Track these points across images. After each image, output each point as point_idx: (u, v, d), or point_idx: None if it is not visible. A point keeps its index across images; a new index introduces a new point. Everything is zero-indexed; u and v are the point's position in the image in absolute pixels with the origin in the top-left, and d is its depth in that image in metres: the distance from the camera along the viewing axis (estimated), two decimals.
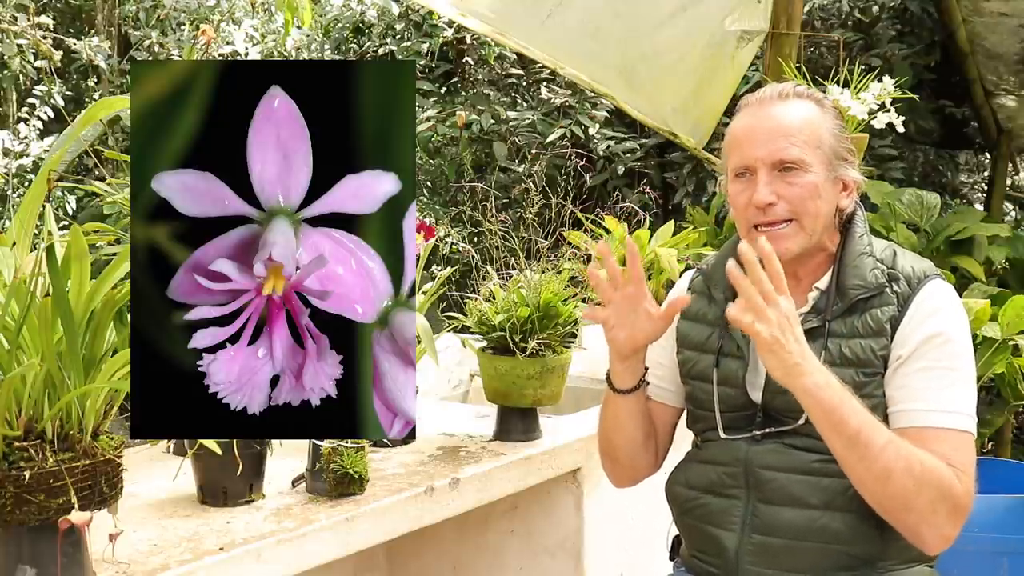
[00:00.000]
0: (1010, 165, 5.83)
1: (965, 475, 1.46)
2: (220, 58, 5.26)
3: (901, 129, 3.10)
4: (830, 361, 1.54)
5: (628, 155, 4.83)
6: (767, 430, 1.59)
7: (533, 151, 4.43)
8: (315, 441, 1.73)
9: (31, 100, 5.29)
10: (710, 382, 1.66)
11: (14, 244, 1.36)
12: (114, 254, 1.42)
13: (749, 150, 1.59)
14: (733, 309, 1.45)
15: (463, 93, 5.12)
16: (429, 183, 5.54)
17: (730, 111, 2.35)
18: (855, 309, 1.57)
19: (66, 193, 5.16)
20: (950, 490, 1.44)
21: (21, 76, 5.17)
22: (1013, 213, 6.53)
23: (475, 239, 3.42)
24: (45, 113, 5.27)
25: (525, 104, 5.18)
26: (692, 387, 1.71)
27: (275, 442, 1.70)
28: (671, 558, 1.78)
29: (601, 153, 4.78)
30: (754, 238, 1.59)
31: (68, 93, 5.75)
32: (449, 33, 5.05)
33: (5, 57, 4.90)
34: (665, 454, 1.79)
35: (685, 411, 1.76)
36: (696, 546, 1.67)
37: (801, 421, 1.54)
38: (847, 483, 1.49)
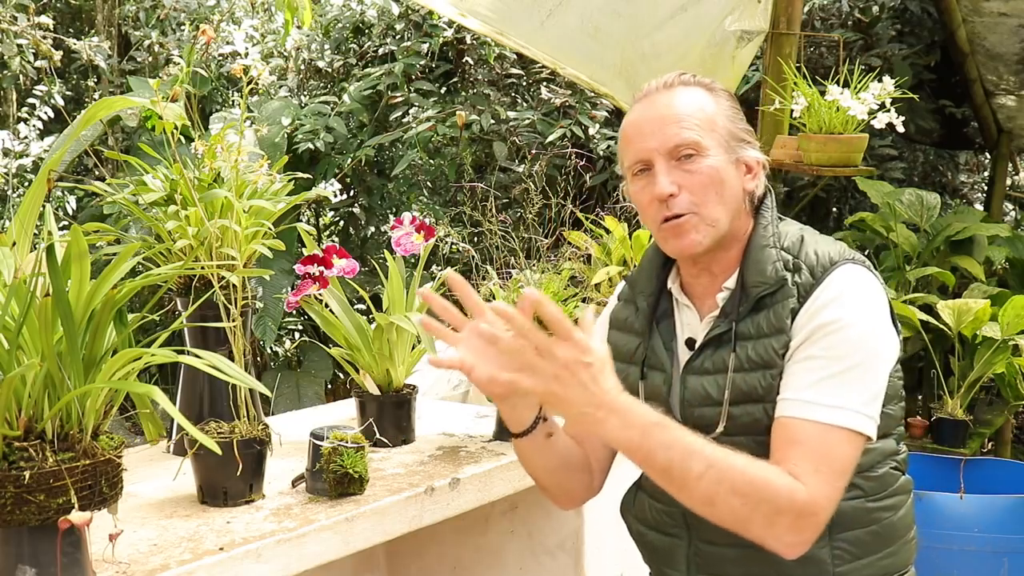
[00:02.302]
0: (1010, 165, 5.83)
1: (815, 476, 1.34)
2: (222, 58, 5.26)
3: (901, 129, 3.10)
4: (739, 366, 1.47)
5: None
6: None
7: (533, 151, 4.43)
8: (315, 441, 1.73)
9: (31, 100, 5.29)
10: (639, 395, 1.55)
11: (14, 244, 1.36)
12: (114, 254, 1.42)
13: (641, 143, 1.51)
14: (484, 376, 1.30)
15: (463, 93, 5.12)
16: (429, 183, 5.54)
17: None
18: (760, 307, 1.48)
19: (66, 193, 5.16)
20: (788, 502, 1.33)
21: (21, 76, 5.17)
22: (1013, 213, 6.53)
23: (475, 239, 3.42)
24: (45, 113, 5.27)
25: (525, 104, 5.18)
26: None
27: (275, 442, 1.70)
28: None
29: (601, 153, 4.78)
30: (661, 237, 1.53)
31: (68, 93, 5.75)
32: (449, 33, 5.05)
33: (5, 57, 4.90)
34: (604, 473, 1.68)
35: None
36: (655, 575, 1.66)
37: (719, 430, 1.47)
38: None
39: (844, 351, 1.41)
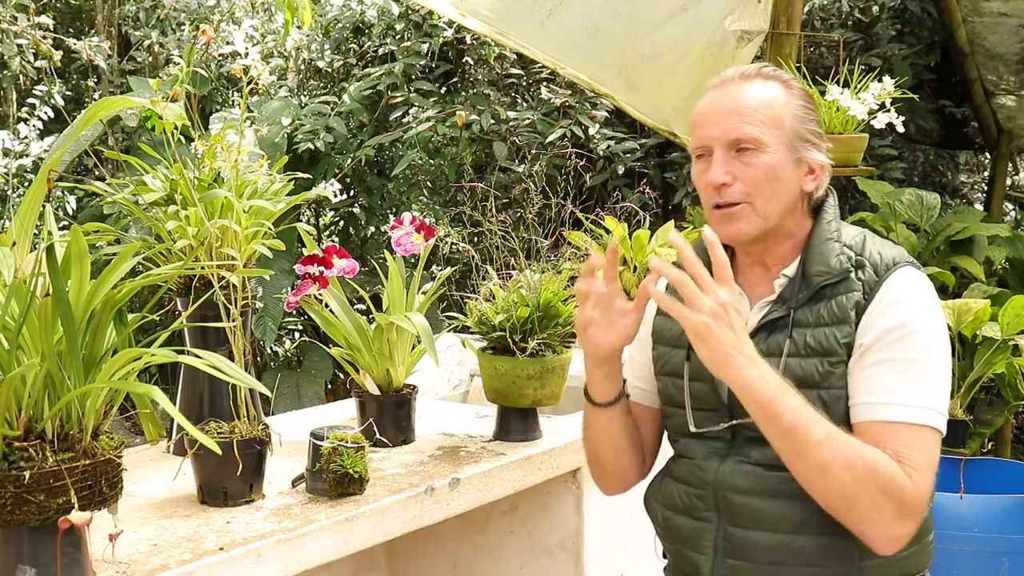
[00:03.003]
0: (1010, 165, 5.83)
1: (918, 472, 1.40)
2: (222, 58, 5.26)
3: (901, 129, 3.11)
4: (795, 351, 1.51)
5: (628, 155, 4.82)
6: (733, 422, 1.55)
7: (533, 151, 4.43)
8: (315, 441, 1.73)
9: (31, 100, 5.28)
10: (682, 377, 1.62)
11: (14, 244, 1.36)
12: (114, 254, 1.42)
13: (704, 130, 1.56)
14: (659, 292, 1.45)
15: (463, 93, 5.12)
16: (429, 183, 5.54)
17: None
18: (820, 296, 1.52)
19: (66, 193, 5.16)
20: (896, 488, 1.39)
21: (21, 76, 5.17)
22: (1013, 213, 6.53)
23: (475, 239, 3.42)
24: (45, 113, 5.26)
25: (525, 104, 5.18)
26: (664, 383, 1.67)
27: (275, 442, 1.70)
28: (664, 556, 1.77)
29: (601, 153, 4.78)
30: (712, 220, 1.57)
31: (68, 93, 5.75)
32: (449, 33, 5.04)
33: (5, 57, 4.89)
34: (653, 458, 1.76)
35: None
36: (675, 564, 1.66)
37: None
38: (818, 505, 1.44)
39: (918, 354, 1.46)
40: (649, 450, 1.75)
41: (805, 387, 1.49)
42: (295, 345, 5.19)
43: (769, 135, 1.53)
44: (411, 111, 4.94)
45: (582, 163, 2.35)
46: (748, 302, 1.61)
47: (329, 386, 4.96)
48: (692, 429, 1.59)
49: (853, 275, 1.52)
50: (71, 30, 6.11)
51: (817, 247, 1.56)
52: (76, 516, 1.25)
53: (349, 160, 4.93)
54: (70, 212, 5.25)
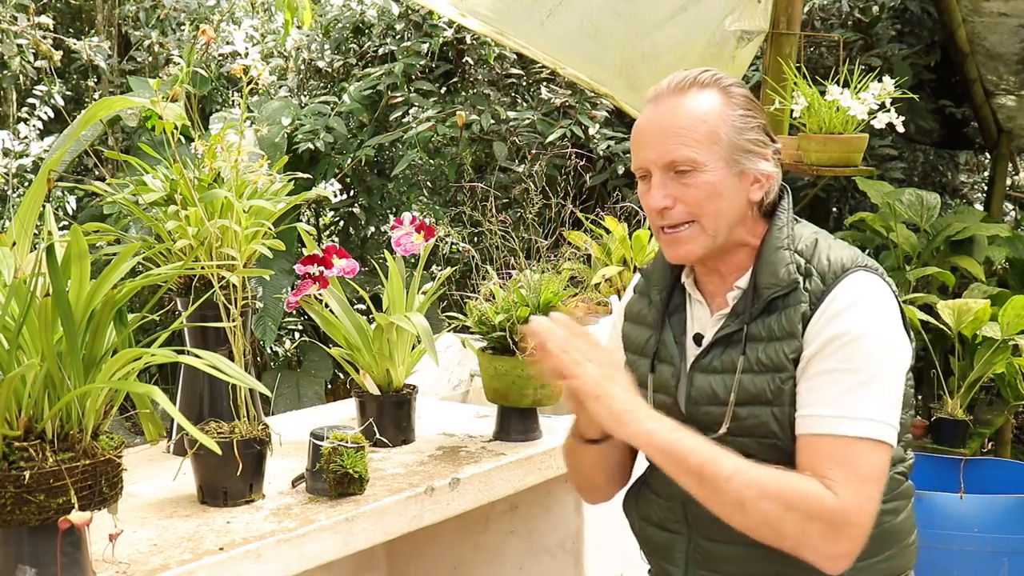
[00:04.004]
0: (1010, 165, 5.83)
1: (847, 487, 1.35)
2: (222, 58, 5.26)
3: (901, 129, 3.10)
4: (748, 367, 1.48)
5: (628, 155, 4.82)
6: None
7: (533, 151, 4.43)
8: (315, 441, 1.73)
9: (31, 100, 5.28)
10: (647, 387, 1.58)
11: (14, 244, 1.36)
12: (114, 254, 1.42)
13: (642, 151, 1.52)
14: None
15: (463, 93, 5.12)
16: (429, 183, 5.54)
17: None
18: (772, 309, 1.48)
19: (66, 193, 5.16)
20: (818, 509, 1.34)
21: (21, 76, 5.17)
22: (1013, 213, 6.53)
23: (475, 239, 3.42)
24: (45, 113, 5.26)
25: (525, 104, 5.18)
26: None
27: (275, 442, 1.70)
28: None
29: (601, 153, 4.78)
30: (661, 242, 1.56)
31: (68, 93, 5.75)
32: (449, 33, 5.04)
33: (5, 57, 4.89)
34: (630, 472, 1.72)
35: None
36: (654, 573, 1.67)
37: (723, 430, 1.48)
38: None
39: (860, 363, 1.41)
40: (632, 457, 1.70)
41: (758, 404, 1.47)
42: (295, 345, 5.19)
43: (706, 153, 1.47)
44: (411, 111, 4.94)
45: (582, 163, 2.35)
46: (709, 311, 1.58)
47: (329, 386, 4.96)
48: None
49: (801, 285, 1.47)
50: (71, 30, 6.11)
51: (767, 257, 1.51)
52: (76, 516, 1.25)
53: (349, 160, 4.93)
54: (70, 212, 5.25)
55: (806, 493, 1.35)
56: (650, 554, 1.66)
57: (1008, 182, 5.88)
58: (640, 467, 1.69)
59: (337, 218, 5.67)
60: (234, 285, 1.71)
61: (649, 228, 3.25)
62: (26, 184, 5.12)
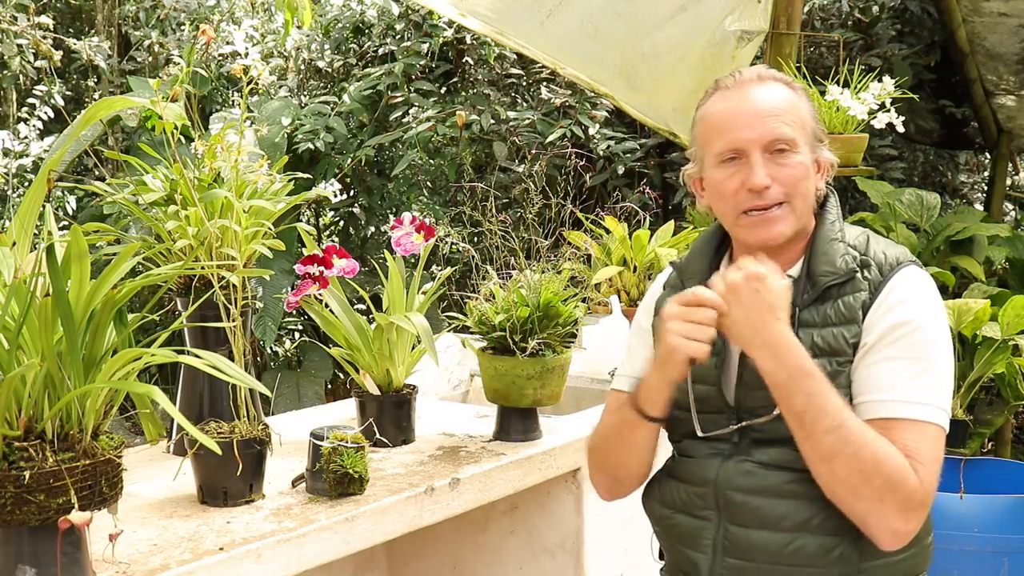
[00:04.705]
0: (1010, 165, 5.83)
1: (924, 468, 1.41)
2: (222, 58, 5.25)
3: (901, 129, 3.11)
4: None
5: (628, 155, 4.82)
6: (741, 424, 1.54)
7: (533, 151, 4.43)
8: (315, 441, 1.73)
9: (31, 100, 5.28)
10: (685, 380, 1.58)
11: (14, 244, 1.36)
12: (114, 254, 1.42)
13: (737, 132, 1.54)
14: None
15: (463, 93, 5.12)
16: (429, 183, 5.54)
17: None
18: (826, 297, 1.53)
19: (66, 193, 5.16)
20: (902, 482, 1.39)
21: (21, 76, 5.16)
22: (1013, 213, 6.53)
23: (475, 239, 3.42)
24: (45, 113, 5.26)
25: (525, 104, 5.18)
26: None
27: (275, 442, 1.70)
28: (660, 557, 1.76)
29: (601, 153, 4.78)
30: (743, 225, 1.56)
31: (68, 93, 5.75)
32: (449, 33, 5.04)
33: (5, 57, 4.89)
34: (653, 462, 1.72)
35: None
36: (674, 564, 1.65)
37: (775, 413, 1.49)
38: (820, 505, 1.45)
39: (922, 351, 1.47)
40: (654, 455, 1.70)
41: None
42: (295, 345, 5.19)
43: (800, 134, 1.55)
44: (411, 111, 4.94)
45: (582, 163, 2.34)
46: None
47: (329, 386, 4.96)
48: (700, 434, 1.58)
49: (859, 275, 1.52)
50: (71, 30, 6.11)
51: (822, 247, 1.56)
52: (76, 516, 1.25)
53: (349, 160, 4.93)
54: (70, 212, 5.25)
55: (895, 466, 1.39)
56: (673, 542, 1.63)
57: (1008, 182, 5.88)
58: (660, 461, 1.70)
59: (337, 218, 5.67)
60: (234, 285, 1.71)
61: (651, 228, 3.25)
62: (26, 184, 5.12)
